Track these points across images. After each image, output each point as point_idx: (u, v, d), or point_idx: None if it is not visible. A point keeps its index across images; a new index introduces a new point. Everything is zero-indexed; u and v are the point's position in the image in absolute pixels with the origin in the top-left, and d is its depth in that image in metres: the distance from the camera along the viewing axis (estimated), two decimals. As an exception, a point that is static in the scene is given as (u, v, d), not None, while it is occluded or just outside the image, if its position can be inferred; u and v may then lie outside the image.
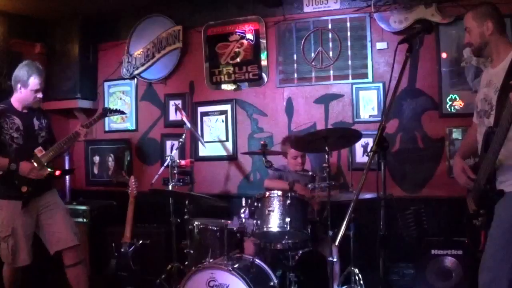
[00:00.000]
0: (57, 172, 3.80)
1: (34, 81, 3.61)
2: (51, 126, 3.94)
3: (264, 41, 4.80)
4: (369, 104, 4.43)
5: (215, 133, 5.05)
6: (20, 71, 3.63)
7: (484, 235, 2.55)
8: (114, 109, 4.16)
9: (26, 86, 3.61)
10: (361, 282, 3.68)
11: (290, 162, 4.02)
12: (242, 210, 3.49)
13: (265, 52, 4.81)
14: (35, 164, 3.56)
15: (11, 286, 3.71)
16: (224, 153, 5.01)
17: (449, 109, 4.17)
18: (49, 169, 3.64)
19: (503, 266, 2.38)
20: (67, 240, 3.69)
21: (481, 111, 2.68)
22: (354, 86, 4.48)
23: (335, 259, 3.29)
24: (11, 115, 3.62)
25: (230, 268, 3.15)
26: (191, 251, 3.76)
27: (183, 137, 4.43)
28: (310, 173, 3.69)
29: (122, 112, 4.27)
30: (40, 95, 3.69)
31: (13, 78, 3.67)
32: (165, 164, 4.32)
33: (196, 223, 3.72)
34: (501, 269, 2.38)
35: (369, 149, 4.23)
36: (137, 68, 5.30)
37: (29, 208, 3.60)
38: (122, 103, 5.50)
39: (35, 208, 3.67)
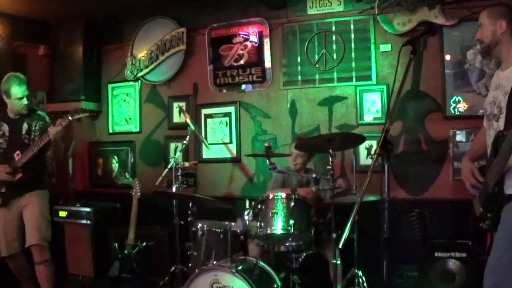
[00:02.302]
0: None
1: (14, 91, 3.91)
2: (47, 128, 3.95)
3: (268, 43, 4.80)
4: (372, 106, 4.43)
5: (218, 135, 5.06)
6: (4, 84, 3.95)
7: (490, 238, 2.54)
8: (83, 108, 4.31)
9: (10, 97, 3.93)
10: (365, 284, 3.66)
11: (289, 161, 4.00)
12: (246, 212, 3.49)
13: (269, 54, 4.81)
14: (7, 167, 3.85)
15: (19, 275, 4.12)
16: (228, 155, 5.01)
17: (453, 111, 4.16)
18: (21, 174, 3.88)
19: (508, 270, 2.36)
20: (30, 239, 3.95)
21: (490, 114, 2.65)
22: (358, 88, 4.48)
23: (338, 262, 3.28)
24: (1, 122, 4.00)
25: (233, 270, 3.15)
26: (195, 253, 3.75)
27: (187, 139, 4.44)
28: (314, 175, 3.67)
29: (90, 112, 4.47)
30: (25, 101, 3.96)
31: (1, 90, 3.98)
32: (169, 166, 4.33)
33: (199, 225, 3.72)
34: (506, 273, 2.36)
35: (373, 152, 4.25)
36: (141, 70, 5.31)
37: (11, 206, 3.95)
38: (125, 106, 5.52)
39: (17, 207, 3.98)
